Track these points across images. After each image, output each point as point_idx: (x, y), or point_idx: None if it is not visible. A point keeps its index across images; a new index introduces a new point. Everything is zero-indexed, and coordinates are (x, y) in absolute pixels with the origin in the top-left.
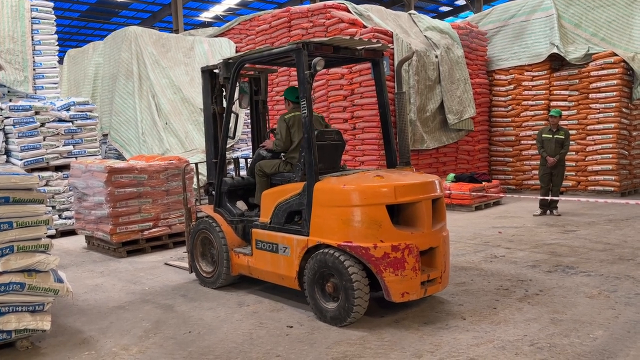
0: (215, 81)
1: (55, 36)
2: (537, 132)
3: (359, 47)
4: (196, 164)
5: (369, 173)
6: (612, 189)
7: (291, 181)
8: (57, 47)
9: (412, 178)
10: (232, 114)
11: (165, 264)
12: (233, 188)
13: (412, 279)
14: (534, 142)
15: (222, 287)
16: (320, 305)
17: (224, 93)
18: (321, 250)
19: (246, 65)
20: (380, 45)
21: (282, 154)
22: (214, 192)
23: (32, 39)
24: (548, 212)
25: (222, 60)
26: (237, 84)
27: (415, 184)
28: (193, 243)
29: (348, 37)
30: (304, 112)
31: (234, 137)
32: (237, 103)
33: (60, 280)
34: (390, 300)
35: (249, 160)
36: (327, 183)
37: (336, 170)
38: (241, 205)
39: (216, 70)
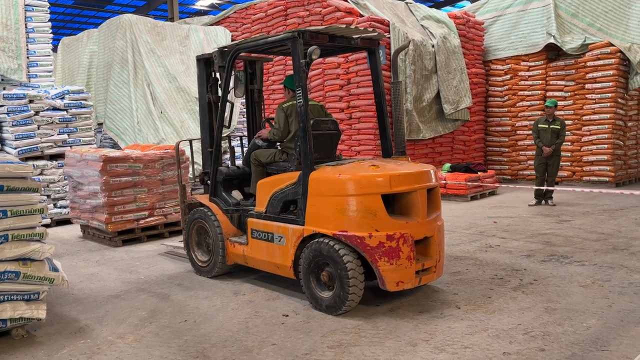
0: (211, 70)
1: (49, 24)
2: (533, 122)
3: (355, 36)
4: (190, 140)
5: (364, 163)
6: (607, 179)
7: (287, 170)
8: (51, 35)
9: (408, 168)
10: (228, 103)
11: (162, 244)
12: (228, 177)
13: (407, 268)
14: (530, 132)
15: (218, 276)
16: (316, 294)
17: (219, 82)
18: (316, 240)
19: (241, 54)
20: (376, 34)
21: (278, 143)
22: (209, 182)
23: (26, 27)
24: (543, 202)
25: (217, 49)
26: (233, 73)
27: (411, 174)
28: (188, 232)
29: (344, 26)
30: (299, 101)
31: (229, 126)
32: (232, 92)
33: (55, 269)
34: (385, 289)
35: (244, 149)
36: (322, 172)
37: (332, 160)
38: (237, 194)
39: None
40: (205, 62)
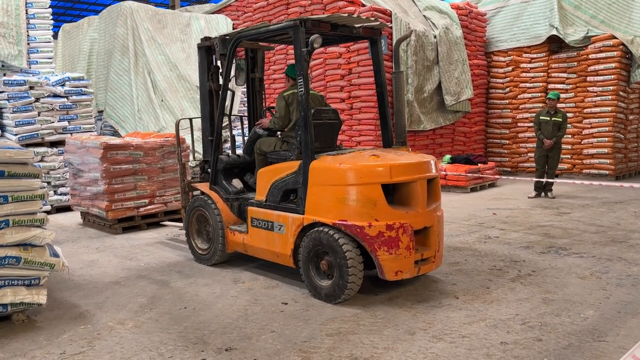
0: (212, 58)
1: (50, 10)
2: (534, 114)
3: (357, 25)
4: (191, 119)
5: (364, 152)
6: (607, 172)
7: (287, 159)
8: (52, 21)
9: (408, 158)
10: (229, 91)
11: (161, 223)
12: (229, 166)
13: (406, 257)
14: (531, 124)
15: (217, 264)
16: (315, 282)
17: (220, 70)
18: (316, 229)
19: (243, 42)
20: (378, 23)
21: (279, 132)
22: (209, 170)
23: (27, 13)
24: (543, 194)
25: (218, 37)
26: (234, 61)
27: (411, 164)
28: (188, 220)
29: (346, 15)
30: (300, 90)
31: (230, 115)
32: (233, 80)
33: (56, 255)
34: (384, 278)
35: (246, 137)
36: (323, 162)
37: (332, 149)
38: (237, 183)
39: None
40: (206, 50)
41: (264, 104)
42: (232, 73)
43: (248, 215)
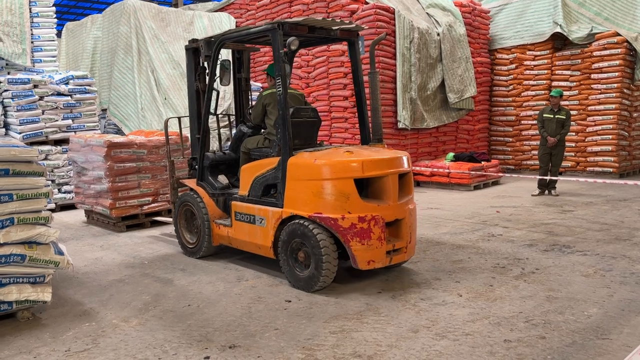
0: (199, 59)
1: (53, 8)
2: (538, 112)
3: (334, 28)
4: (179, 118)
5: (340, 149)
6: (611, 169)
7: (269, 156)
8: (55, 20)
9: (381, 154)
10: (214, 91)
11: (154, 219)
12: (215, 163)
13: (378, 248)
14: (535, 122)
15: (205, 256)
16: (293, 272)
17: (207, 70)
18: (294, 221)
19: (227, 44)
20: (354, 25)
21: (263, 130)
22: (197, 167)
23: (30, 11)
24: (546, 192)
25: (203, 39)
26: (218, 62)
27: (383, 160)
28: (177, 214)
29: (321, 18)
30: (278, 90)
31: (215, 114)
32: (218, 80)
33: (60, 253)
34: (357, 267)
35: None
36: (300, 158)
37: (312, 147)
38: (222, 179)
39: None
40: (193, 52)
41: (250, 103)
42: (217, 73)
43: (232, 209)
